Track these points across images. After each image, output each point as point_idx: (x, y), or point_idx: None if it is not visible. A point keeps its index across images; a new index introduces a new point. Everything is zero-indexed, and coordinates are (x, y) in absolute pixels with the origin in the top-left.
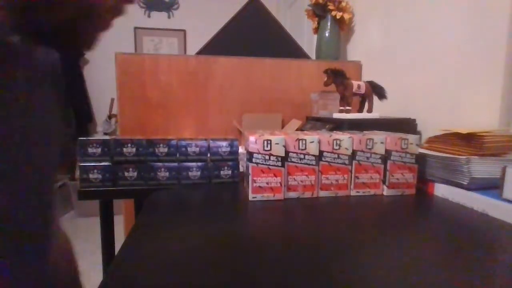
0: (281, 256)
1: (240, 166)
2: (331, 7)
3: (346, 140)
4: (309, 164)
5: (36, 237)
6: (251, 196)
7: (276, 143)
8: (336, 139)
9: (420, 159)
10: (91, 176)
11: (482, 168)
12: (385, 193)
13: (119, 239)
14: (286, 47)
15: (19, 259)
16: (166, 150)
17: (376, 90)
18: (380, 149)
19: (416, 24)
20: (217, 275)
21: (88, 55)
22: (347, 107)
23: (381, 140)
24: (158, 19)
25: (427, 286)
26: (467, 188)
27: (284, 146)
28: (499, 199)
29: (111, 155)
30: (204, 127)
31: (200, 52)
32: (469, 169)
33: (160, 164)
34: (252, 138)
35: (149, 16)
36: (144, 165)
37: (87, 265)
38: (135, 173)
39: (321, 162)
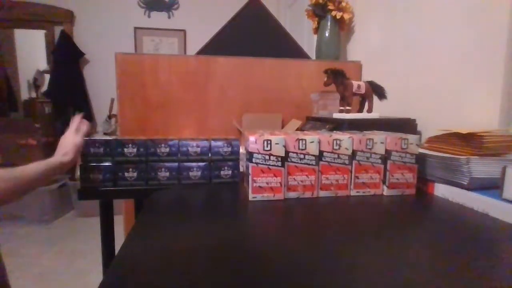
0: (281, 255)
1: (240, 166)
2: (331, 7)
3: (346, 140)
4: (309, 164)
5: None
6: (251, 196)
7: (276, 143)
8: (336, 139)
9: (420, 159)
10: (91, 176)
11: (482, 168)
12: (385, 193)
13: (119, 239)
14: (286, 47)
15: None
16: (167, 150)
17: (376, 90)
18: (380, 149)
19: (416, 24)
20: (217, 274)
21: (88, 55)
22: (347, 107)
23: (381, 140)
24: (158, 19)
25: (427, 285)
26: (467, 188)
27: (284, 146)
28: (499, 199)
29: (112, 155)
30: (204, 127)
31: (200, 52)
32: (469, 169)
33: (160, 164)
34: (252, 138)
35: (149, 16)
36: (144, 165)
37: (87, 265)
38: (135, 173)
39: (321, 162)
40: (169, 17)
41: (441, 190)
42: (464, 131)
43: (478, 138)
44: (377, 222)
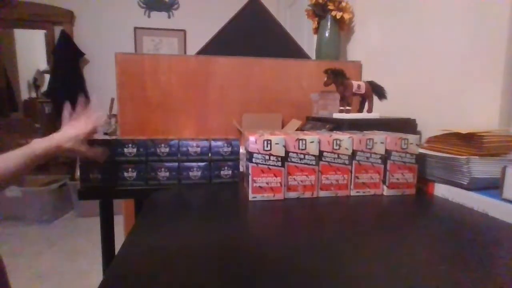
0: (281, 256)
1: (240, 166)
2: (331, 7)
3: (346, 140)
4: (309, 164)
5: None
6: (251, 196)
7: (276, 143)
8: (336, 139)
9: (420, 159)
10: (91, 176)
11: (482, 168)
12: (385, 193)
13: (119, 239)
14: (286, 47)
15: None
16: (167, 150)
17: (376, 90)
18: (380, 149)
19: (416, 24)
20: (217, 275)
21: (88, 55)
22: (347, 107)
23: (381, 140)
24: (158, 19)
25: (427, 285)
26: (467, 188)
27: (284, 146)
28: (499, 199)
29: (112, 155)
30: (204, 127)
31: (200, 52)
32: (469, 169)
33: (160, 164)
34: (252, 138)
35: (149, 16)
36: (144, 165)
37: (87, 265)
38: (135, 173)
39: (321, 162)
40: (169, 17)
41: (441, 190)
42: (464, 131)
43: (478, 138)
44: (377, 222)
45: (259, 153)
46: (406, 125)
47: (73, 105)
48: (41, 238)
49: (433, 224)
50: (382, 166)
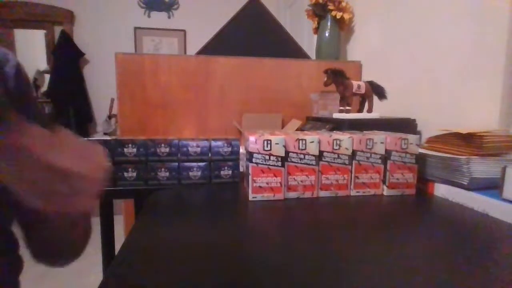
0: (281, 256)
1: (240, 166)
2: (331, 7)
3: (346, 140)
4: (309, 164)
5: None
6: (251, 196)
7: (276, 143)
8: (336, 139)
9: (420, 159)
10: None
11: (482, 168)
12: (385, 193)
13: (119, 239)
14: (286, 47)
15: None
16: (167, 150)
17: (376, 90)
18: (380, 149)
19: (416, 24)
20: (217, 275)
21: (88, 55)
22: (347, 107)
23: (381, 140)
24: (158, 19)
25: (427, 285)
26: (467, 188)
27: (284, 146)
28: (499, 199)
29: (111, 155)
30: (204, 127)
31: (200, 52)
32: (469, 169)
33: (160, 164)
34: (252, 138)
35: (149, 16)
36: (144, 165)
37: (87, 265)
38: (135, 173)
39: (321, 162)
40: (169, 17)
41: (441, 190)
42: (464, 131)
43: (478, 138)
44: (377, 222)
45: (259, 153)
46: (406, 125)
47: (73, 105)
48: None
49: (433, 224)
50: (382, 166)
